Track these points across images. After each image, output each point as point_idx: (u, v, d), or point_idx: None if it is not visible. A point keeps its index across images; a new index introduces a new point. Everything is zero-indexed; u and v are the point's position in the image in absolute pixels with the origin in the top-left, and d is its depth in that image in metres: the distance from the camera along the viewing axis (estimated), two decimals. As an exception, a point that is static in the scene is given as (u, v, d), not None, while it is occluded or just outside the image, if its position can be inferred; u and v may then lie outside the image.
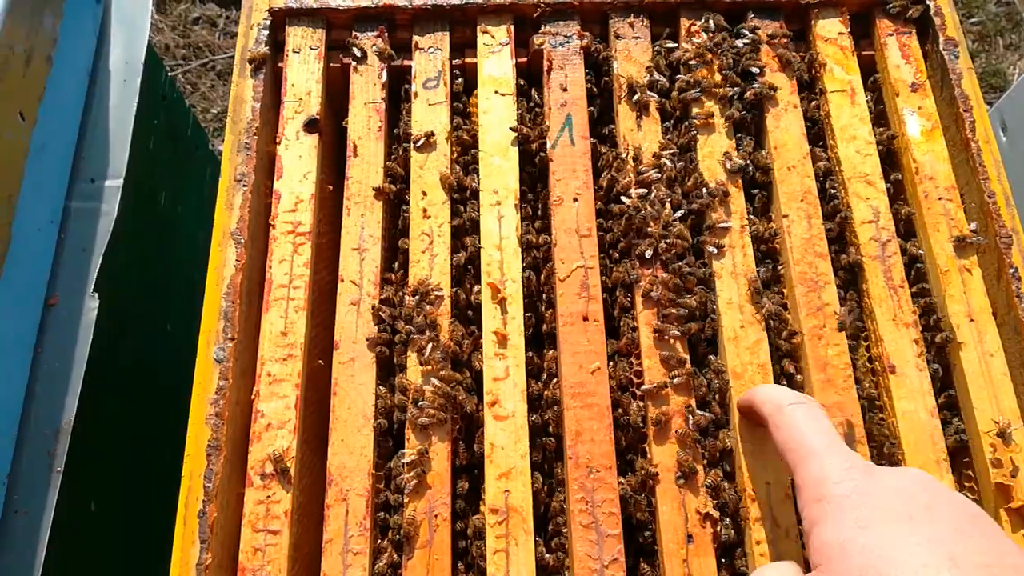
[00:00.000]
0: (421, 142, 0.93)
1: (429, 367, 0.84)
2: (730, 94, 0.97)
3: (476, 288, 0.89)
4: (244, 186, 0.90)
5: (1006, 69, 3.24)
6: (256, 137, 0.93)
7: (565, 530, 0.81)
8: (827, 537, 0.58)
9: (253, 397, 0.82)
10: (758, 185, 0.96)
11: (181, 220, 1.26)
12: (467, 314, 0.89)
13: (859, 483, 0.61)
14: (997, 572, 0.52)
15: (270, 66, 0.99)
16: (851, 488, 0.60)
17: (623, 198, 0.92)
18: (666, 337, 0.85)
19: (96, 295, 0.88)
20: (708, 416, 0.83)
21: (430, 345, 0.85)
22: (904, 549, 0.54)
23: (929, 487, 0.61)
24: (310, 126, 0.95)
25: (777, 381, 0.86)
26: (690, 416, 0.82)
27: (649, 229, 0.89)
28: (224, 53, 3.11)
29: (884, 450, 0.84)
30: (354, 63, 0.98)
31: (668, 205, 0.91)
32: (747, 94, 0.97)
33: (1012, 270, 0.90)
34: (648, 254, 0.88)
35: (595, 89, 1.00)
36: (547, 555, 0.80)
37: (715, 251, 0.90)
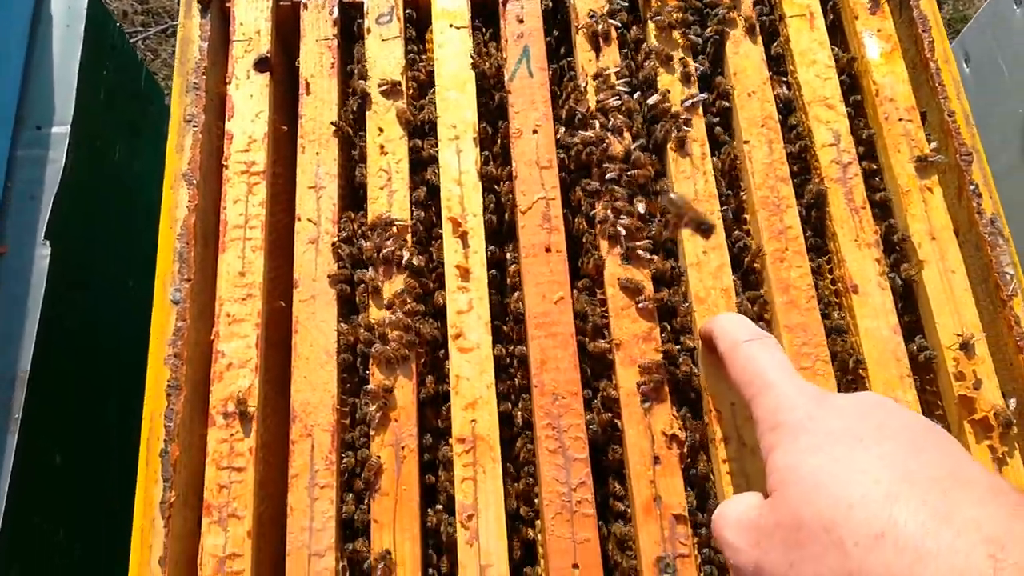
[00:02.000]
0: (387, 88, 0.91)
1: (390, 303, 0.83)
2: (690, 20, 0.96)
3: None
4: (195, 127, 0.88)
5: (972, 15, 3.24)
6: (205, 77, 0.91)
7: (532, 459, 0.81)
8: (780, 463, 0.59)
9: (213, 337, 0.81)
10: (719, 112, 0.95)
11: (137, 175, 1.23)
12: (428, 249, 0.88)
13: (811, 409, 0.61)
14: (950, 485, 0.51)
15: (217, 5, 0.96)
16: (803, 414, 0.61)
17: (583, 130, 0.90)
18: (631, 263, 0.85)
19: (47, 243, 0.86)
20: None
21: (391, 280, 0.83)
22: (855, 468, 0.54)
23: (881, 407, 0.61)
24: (261, 64, 0.93)
25: (740, 305, 0.86)
26: (654, 343, 0.82)
27: (609, 159, 0.88)
28: (184, 19, 3.04)
29: (849, 367, 0.85)
30: (304, 1, 0.96)
31: (627, 134, 0.91)
32: (708, 20, 0.96)
33: (972, 187, 0.90)
34: (610, 184, 0.87)
35: (552, 20, 0.98)
36: (514, 483, 0.80)
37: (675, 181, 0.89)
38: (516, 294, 0.86)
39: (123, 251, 1.18)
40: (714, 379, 0.82)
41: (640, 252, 0.85)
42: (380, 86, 0.92)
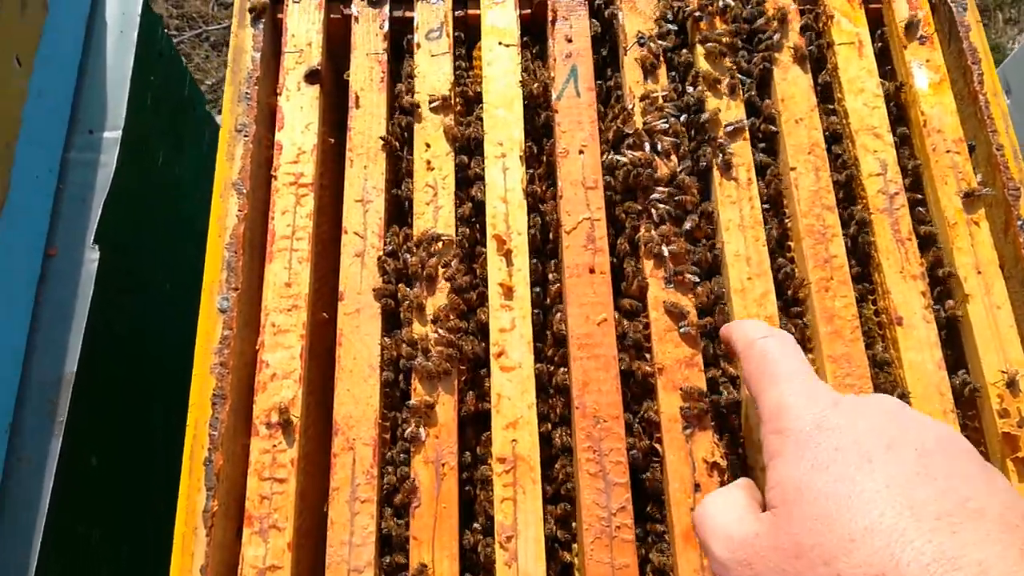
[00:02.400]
0: (436, 104, 0.92)
1: (435, 318, 0.83)
2: (738, 45, 0.96)
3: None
4: (245, 136, 0.89)
5: (1006, 44, 3.22)
6: (256, 87, 0.92)
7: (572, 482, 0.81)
8: (783, 475, 0.56)
9: (258, 347, 0.81)
10: (765, 138, 0.95)
11: (179, 181, 1.25)
12: (472, 266, 0.89)
13: (820, 417, 0.58)
14: (959, 519, 0.49)
15: (269, 16, 0.97)
16: (812, 422, 0.58)
17: (629, 151, 0.91)
18: (674, 288, 0.85)
19: (96, 247, 0.87)
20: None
21: (434, 296, 0.84)
22: (860, 496, 0.52)
23: (894, 420, 0.58)
24: (311, 77, 0.94)
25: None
26: (696, 368, 0.82)
27: (656, 181, 0.88)
28: (218, 24, 3.07)
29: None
30: (355, 14, 0.97)
31: (674, 157, 0.91)
32: (757, 46, 0.96)
33: (1020, 222, 0.89)
34: (656, 207, 0.87)
35: (600, 40, 0.99)
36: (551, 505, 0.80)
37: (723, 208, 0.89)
38: (558, 315, 0.86)
39: (163, 256, 1.19)
40: (754, 406, 0.81)
41: (687, 276, 0.85)
42: (428, 102, 0.93)
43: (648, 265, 0.86)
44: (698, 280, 0.86)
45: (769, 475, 0.58)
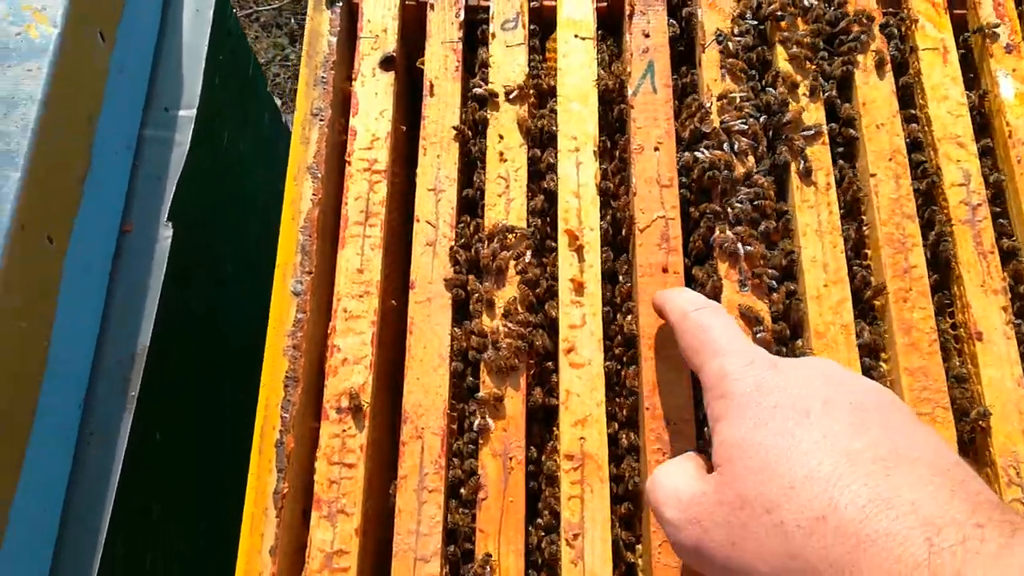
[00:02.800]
0: (510, 95, 0.91)
1: (505, 311, 0.82)
2: (820, 45, 0.94)
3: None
4: (321, 120, 0.89)
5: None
6: (332, 72, 0.92)
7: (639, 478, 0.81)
8: (726, 435, 0.59)
9: (329, 332, 0.81)
10: (845, 142, 0.93)
11: (241, 162, 1.25)
12: (542, 260, 0.88)
13: (759, 378, 0.60)
14: (893, 464, 0.52)
15: (344, 1, 0.96)
16: (752, 383, 0.60)
17: (707, 150, 0.89)
18: (750, 291, 0.83)
19: (170, 224, 0.87)
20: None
21: (504, 288, 0.83)
22: (799, 447, 0.54)
23: (831, 379, 0.60)
24: (386, 63, 0.93)
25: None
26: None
27: (734, 183, 0.87)
28: (268, 5, 3.08)
29: (970, 416, 0.82)
30: (431, 1, 0.96)
31: (751, 158, 0.89)
32: (839, 48, 0.94)
33: (1108, 240, 0.87)
34: (734, 208, 0.86)
35: (678, 36, 0.97)
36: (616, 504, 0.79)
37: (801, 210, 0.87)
38: (629, 316, 0.85)
39: (227, 234, 1.20)
40: None
41: (764, 279, 0.83)
42: (503, 92, 0.92)
43: (723, 267, 0.85)
44: (776, 284, 0.84)
45: (714, 439, 0.60)
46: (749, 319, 0.83)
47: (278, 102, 2.89)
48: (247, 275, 1.23)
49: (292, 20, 3.11)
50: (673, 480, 0.62)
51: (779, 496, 0.53)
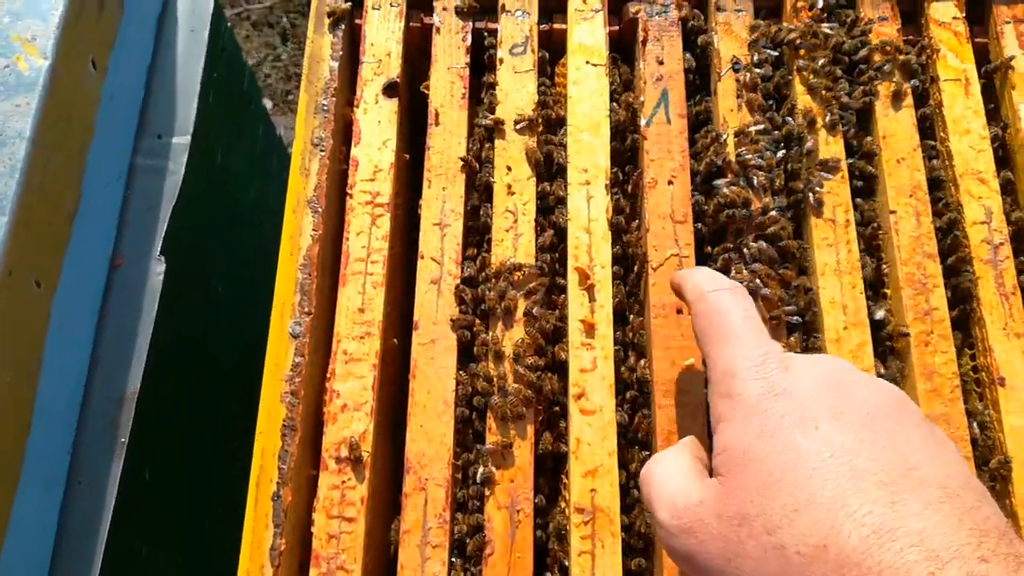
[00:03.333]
0: (519, 124, 0.88)
1: (514, 355, 0.79)
2: (838, 74, 0.91)
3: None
4: (322, 151, 0.85)
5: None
6: (333, 99, 0.88)
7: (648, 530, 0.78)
8: (730, 441, 0.57)
9: (328, 376, 0.78)
10: (863, 177, 0.90)
11: (234, 180, 1.21)
12: (551, 298, 0.85)
13: (769, 382, 0.58)
14: (899, 489, 0.50)
15: (347, 22, 0.93)
16: (760, 387, 0.58)
17: (724, 187, 0.86)
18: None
19: (162, 258, 0.83)
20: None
21: (512, 329, 0.80)
22: (805, 465, 0.52)
23: (844, 384, 0.58)
24: (390, 90, 0.89)
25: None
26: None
27: (751, 221, 0.84)
28: (259, 3, 3.03)
29: (990, 465, 0.80)
30: (437, 24, 0.92)
31: (768, 195, 0.86)
32: (859, 78, 0.91)
33: None
34: (749, 249, 0.83)
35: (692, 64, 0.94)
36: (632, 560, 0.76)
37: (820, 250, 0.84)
38: (643, 360, 0.82)
39: (218, 256, 1.16)
40: None
41: (784, 318, 0.80)
42: (511, 122, 0.89)
43: (739, 309, 0.82)
44: (796, 320, 0.81)
45: (716, 439, 0.58)
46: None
47: (269, 104, 2.84)
48: (239, 295, 1.20)
49: (284, 18, 3.06)
50: (670, 479, 0.60)
51: (781, 519, 0.51)
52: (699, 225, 0.86)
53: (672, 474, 0.60)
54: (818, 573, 0.48)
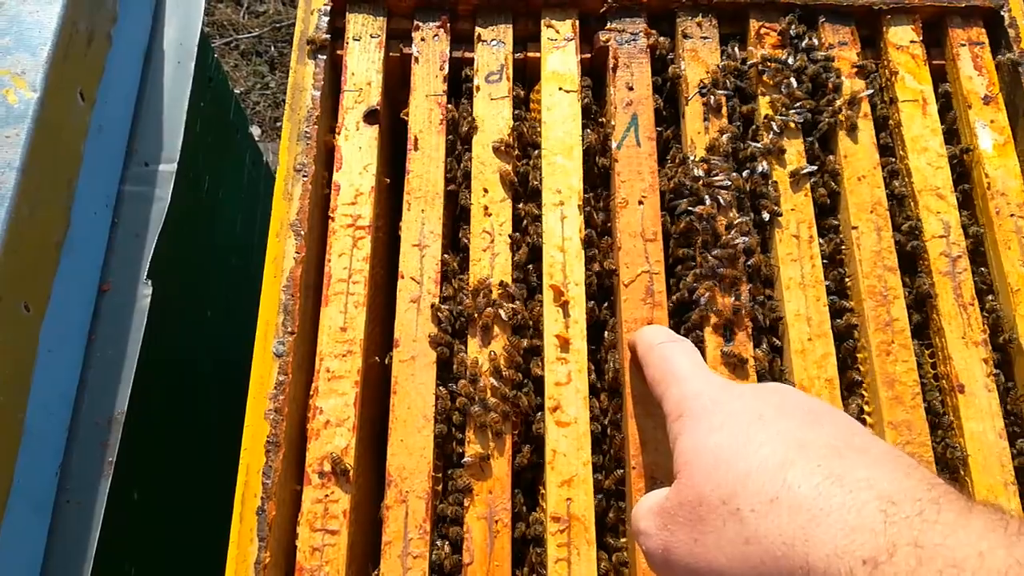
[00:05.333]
0: (495, 148, 0.91)
1: (491, 370, 0.82)
2: (801, 96, 0.95)
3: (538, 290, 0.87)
4: (304, 176, 0.88)
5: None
6: (316, 127, 0.91)
7: (625, 540, 0.80)
8: (684, 446, 0.60)
9: (312, 393, 0.80)
10: (826, 194, 0.94)
11: (221, 206, 1.24)
12: (528, 316, 0.87)
13: (714, 394, 0.62)
14: (844, 449, 0.53)
15: (329, 52, 0.96)
16: (707, 400, 0.62)
17: (691, 206, 0.89)
18: (734, 345, 0.84)
19: (149, 282, 0.86)
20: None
21: (489, 346, 0.83)
22: (753, 442, 0.55)
23: (782, 391, 0.63)
24: (370, 117, 0.93)
25: (843, 398, 0.84)
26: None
27: (716, 236, 0.87)
28: (248, 32, 3.08)
29: (948, 466, 0.83)
30: (416, 54, 0.96)
31: (734, 212, 0.89)
32: (820, 101, 0.95)
33: (1086, 292, 0.88)
34: (717, 265, 0.86)
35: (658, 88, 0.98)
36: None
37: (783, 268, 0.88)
38: (615, 371, 0.85)
39: (205, 280, 1.18)
40: None
41: (749, 332, 0.83)
42: (487, 146, 0.92)
43: (708, 327, 0.85)
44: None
45: (674, 456, 0.62)
46: (733, 365, 0.83)
47: (257, 131, 2.88)
48: (227, 318, 1.22)
49: (272, 48, 3.11)
50: (648, 498, 0.63)
51: (734, 486, 0.53)
52: (669, 242, 0.90)
53: (650, 495, 0.63)
54: (772, 526, 0.50)
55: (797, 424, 0.57)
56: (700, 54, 0.97)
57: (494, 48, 0.97)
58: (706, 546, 0.54)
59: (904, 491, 0.47)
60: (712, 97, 0.94)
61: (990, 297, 0.91)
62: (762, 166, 0.91)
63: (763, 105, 0.95)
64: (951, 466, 0.83)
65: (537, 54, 0.98)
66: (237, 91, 2.97)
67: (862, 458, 0.52)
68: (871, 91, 0.96)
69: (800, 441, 0.54)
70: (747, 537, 0.51)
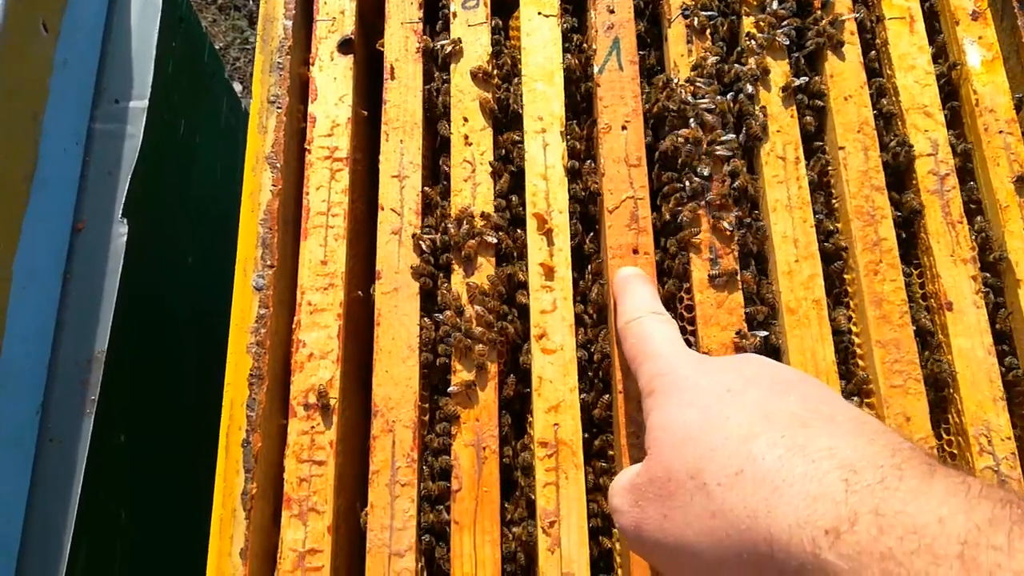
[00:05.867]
0: (474, 76, 0.89)
1: (474, 298, 0.81)
2: (786, 14, 0.92)
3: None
4: (278, 108, 0.86)
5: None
6: (288, 57, 0.89)
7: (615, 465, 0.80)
8: (654, 422, 0.60)
9: (294, 327, 0.79)
10: (813, 114, 0.92)
11: (199, 150, 1.21)
12: (512, 243, 0.86)
13: (685, 369, 0.63)
14: (811, 419, 0.53)
15: (300, -18, 0.93)
16: (678, 375, 0.62)
17: (675, 129, 0.87)
18: (720, 269, 0.83)
19: (125, 220, 0.84)
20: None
21: (473, 275, 0.82)
22: (719, 415, 0.56)
23: (754, 362, 0.63)
24: (344, 46, 0.90)
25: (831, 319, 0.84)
26: (744, 342, 0.80)
27: (700, 157, 0.86)
28: (225, -14, 3.00)
29: (938, 385, 0.82)
30: (389, -20, 0.93)
31: (719, 132, 0.88)
32: (806, 20, 0.92)
33: (1075, 206, 0.87)
34: (703, 187, 0.85)
35: (642, 13, 0.95)
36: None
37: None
38: (597, 290, 0.84)
39: (186, 227, 1.16)
40: None
41: (732, 260, 0.82)
42: (465, 74, 0.90)
43: (692, 247, 0.84)
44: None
45: (646, 431, 0.62)
46: (718, 297, 0.82)
47: (238, 87, 2.82)
48: (208, 267, 1.20)
49: (251, 1, 3.04)
50: (622, 476, 0.63)
51: (701, 460, 0.54)
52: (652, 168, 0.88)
53: (624, 472, 0.63)
54: (737, 498, 0.50)
55: (765, 395, 0.57)
56: (682, -26, 0.94)
57: (470, -27, 0.94)
58: (675, 521, 0.54)
59: (866, 458, 0.47)
60: (696, 19, 0.92)
61: (979, 218, 0.90)
62: (748, 87, 0.89)
63: (747, 25, 0.92)
64: (940, 381, 0.82)
65: (515, -22, 0.95)
66: (217, 46, 2.91)
67: (827, 426, 0.52)
68: (857, 12, 0.94)
69: (766, 412, 0.54)
70: (713, 511, 0.51)
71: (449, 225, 0.83)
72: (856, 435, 0.51)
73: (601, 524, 0.80)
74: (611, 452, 0.81)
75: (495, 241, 0.83)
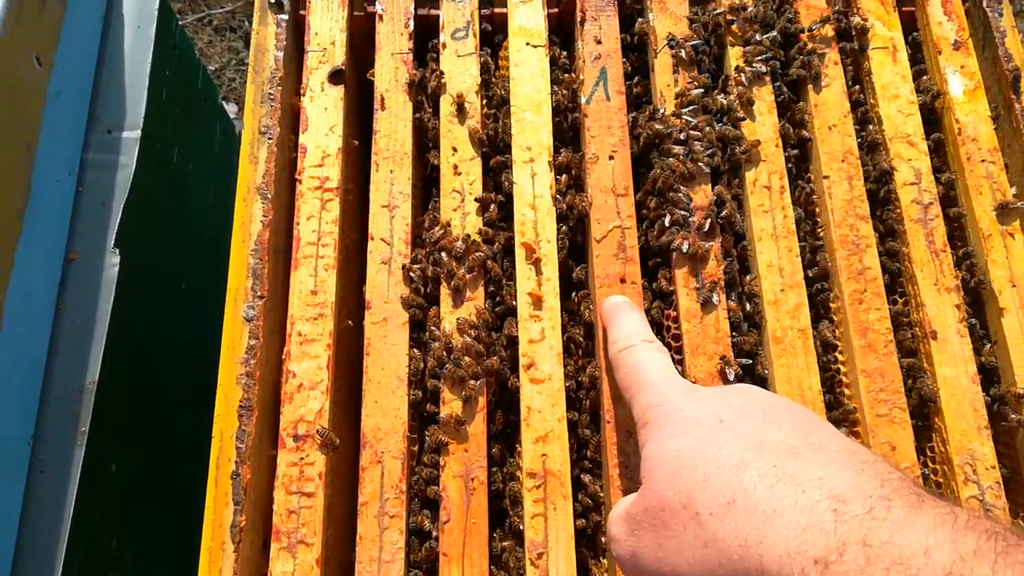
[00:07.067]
0: (462, 106, 0.90)
1: (462, 329, 0.81)
2: (768, 46, 0.94)
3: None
4: (269, 139, 0.87)
5: None
6: (280, 88, 0.90)
7: (603, 496, 0.80)
8: (648, 452, 0.61)
9: (284, 357, 0.80)
10: (797, 144, 0.93)
11: (192, 177, 1.22)
12: (501, 274, 0.87)
13: (678, 400, 0.64)
14: (801, 448, 0.54)
15: (292, 13, 0.94)
16: (671, 406, 0.63)
17: (662, 158, 0.89)
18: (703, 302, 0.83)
19: (117, 251, 0.85)
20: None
21: (461, 307, 0.82)
22: (712, 445, 0.57)
23: (745, 393, 0.64)
24: (335, 77, 0.91)
25: (816, 348, 0.84)
26: (727, 368, 0.80)
27: (688, 187, 0.87)
28: (221, 7, 3.02)
29: (923, 412, 0.83)
30: (380, 12, 0.94)
31: (703, 164, 0.89)
32: (790, 51, 0.94)
33: (1056, 235, 0.88)
34: (688, 217, 0.86)
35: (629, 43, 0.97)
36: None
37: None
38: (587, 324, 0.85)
39: (178, 253, 1.17)
40: None
41: (721, 286, 0.83)
42: (454, 103, 0.91)
43: (678, 275, 0.84)
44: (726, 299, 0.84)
45: (641, 461, 0.63)
46: (707, 327, 0.82)
47: (234, 108, 2.84)
48: (200, 294, 1.21)
49: (246, 23, 3.05)
50: (618, 505, 0.63)
51: (694, 491, 0.54)
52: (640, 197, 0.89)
53: (621, 501, 0.64)
54: (729, 528, 0.51)
55: (756, 425, 0.58)
56: (668, 5, 0.96)
57: (459, 4, 0.95)
58: (669, 551, 0.55)
59: (855, 489, 0.48)
60: (681, 49, 0.93)
61: (960, 243, 0.91)
62: (733, 116, 0.90)
63: (733, 56, 0.94)
64: (925, 404, 0.83)
65: (504, 9, 0.96)
66: (211, 68, 2.92)
67: (818, 456, 0.53)
68: (841, 43, 0.95)
69: (758, 442, 0.55)
70: (706, 540, 0.52)
71: (438, 255, 0.84)
72: (846, 465, 0.52)
73: (590, 552, 0.80)
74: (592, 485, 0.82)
75: (484, 269, 0.83)
